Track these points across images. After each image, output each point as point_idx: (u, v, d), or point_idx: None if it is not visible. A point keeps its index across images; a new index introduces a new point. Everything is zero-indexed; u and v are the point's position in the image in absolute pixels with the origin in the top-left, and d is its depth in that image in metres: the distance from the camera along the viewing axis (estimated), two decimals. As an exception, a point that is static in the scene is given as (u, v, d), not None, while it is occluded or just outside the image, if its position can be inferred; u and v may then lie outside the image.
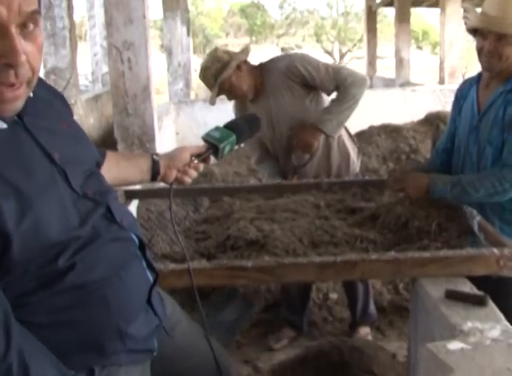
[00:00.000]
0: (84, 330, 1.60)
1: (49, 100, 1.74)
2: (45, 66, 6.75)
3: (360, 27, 30.64)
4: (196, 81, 14.44)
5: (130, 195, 3.36)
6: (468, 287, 2.27)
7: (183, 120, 8.24)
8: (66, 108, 1.86)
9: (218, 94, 3.93)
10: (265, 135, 4.08)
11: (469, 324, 1.98)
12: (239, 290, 4.16)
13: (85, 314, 1.59)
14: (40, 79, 1.60)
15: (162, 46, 19.98)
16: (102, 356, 1.65)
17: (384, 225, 2.78)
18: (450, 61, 11.73)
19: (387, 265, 2.31)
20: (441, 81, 11.78)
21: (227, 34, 46.05)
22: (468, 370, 1.54)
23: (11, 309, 1.36)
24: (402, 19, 14.07)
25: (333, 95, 3.98)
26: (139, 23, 5.04)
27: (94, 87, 14.65)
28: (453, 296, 2.17)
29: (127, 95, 5.29)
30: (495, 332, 1.93)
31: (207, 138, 2.22)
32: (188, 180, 2.28)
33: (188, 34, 15.01)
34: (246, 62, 3.92)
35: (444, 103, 9.52)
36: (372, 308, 4.46)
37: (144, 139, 5.57)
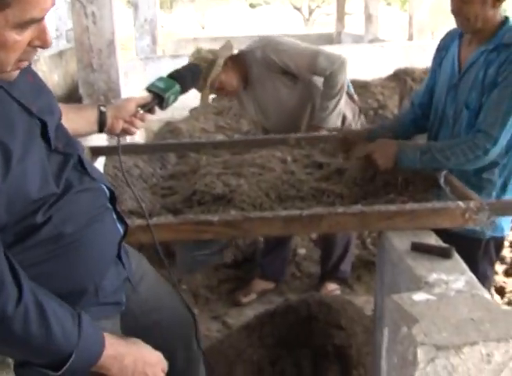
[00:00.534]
0: (58, 283, 1.61)
1: None
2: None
3: (329, -17, 30.34)
4: (163, 37, 14.25)
5: (96, 152, 3.31)
6: (434, 240, 2.28)
7: (150, 76, 8.10)
8: None
9: (210, 93, 3.88)
10: (260, 121, 4.12)
11: (434, 276, 1.99)
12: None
13: (60, 266, 1.61)
14: None
15: (128, 1, 19.63)
16: (74, 308, 1.65)
17: (351, 180, 2.77)
18: (419, 17, 11.67)
19: (354, 218, 2.31)
20: (410, 38, 11.72)
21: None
22: (433, 321, 1.54)
23: None
24: (371, -26, 13.95)
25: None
26: (103, -24, 4.95)
27: (58, 43, 14.36)
28: (419, 248, 2.18)
29: (91, 50, 5.22)
30: (459, 283, 1.95)
31: (151, 88, 2.22)
32: (134, 131, 2.25)
33: (154, -12, 14.76)
34: (230, 57, 3.86)
35: (412, 59, 9.50)
36: (345, 265, 4.48)
37: (110, 96, 5.52)
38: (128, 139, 4.30)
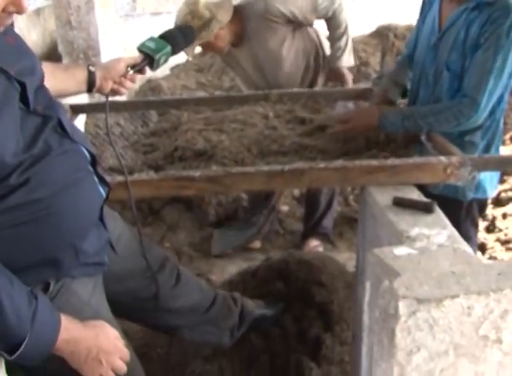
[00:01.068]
0: (38, 246, 1.62)
1: None
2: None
3: None
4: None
5: (76, 110, 3.26)
6: (416, 195, 2.28)
7: (131, 34, 8.03)
8: None
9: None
10: (254, 79, 4.06)
11: (416, 230, 2.00)
12: None
13: (39, 229, 1.61)
14: None
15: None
16: (57, 270, 1.69)
17: (333, 135, 2.76)
18: (402, -27, 11.56)
19: (335, 173, 2.30)
20: (393, -7, 11.61)
21: None
22: (414, 274, 1.55)
23: None
24: None
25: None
26: None
27: (35, 0, 14.09)
28: (401, 203, 2.18)
29: (70, 7, 5.14)
30: (441, 238, 1.95)
31: (142, 48, 2.18)
32: (123, 91, 2.24)
33: None
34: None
35: (395, 15, 9.41)
36: (327, 221, 4.49)
37: (90, 54, 5.45)
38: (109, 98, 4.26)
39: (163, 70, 7.31)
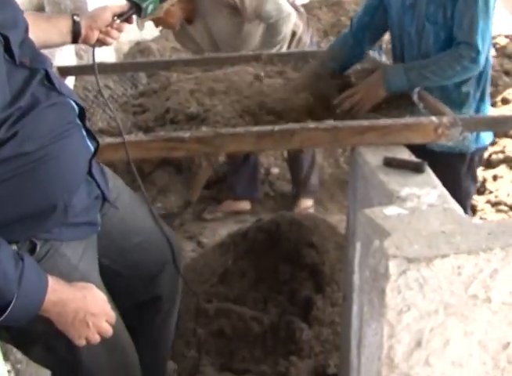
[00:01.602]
0: (27, 199, 1.60)
1: None
2: None
3: None
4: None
5: (64, 72, 3.22)
6: (406, 155, 2.27)
7: (120, -5, 7.93)
8: None
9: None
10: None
11: (406, 190, 1.99)
12: None
13: (28, 182, 1.59)
14: None
15: None
16: (43, 227, 1.66)
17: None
18: None
19: (325, 133, 2.29)
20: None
21: None
22: (404, 234, 1.54)
23: None
24: None
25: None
26: None
27: (23, -40, 13.91)
28: (391, 163, 2.17)
29: (57, -34, 5.06)
30: (431, 197, 1.95)
31: None
32: (110, 41, 2.17)
33: None
34: None
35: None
36: (314, 179, 4.50)
37: (77, 15, 5.37)
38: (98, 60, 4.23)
39: (152, 33, 7.22)
